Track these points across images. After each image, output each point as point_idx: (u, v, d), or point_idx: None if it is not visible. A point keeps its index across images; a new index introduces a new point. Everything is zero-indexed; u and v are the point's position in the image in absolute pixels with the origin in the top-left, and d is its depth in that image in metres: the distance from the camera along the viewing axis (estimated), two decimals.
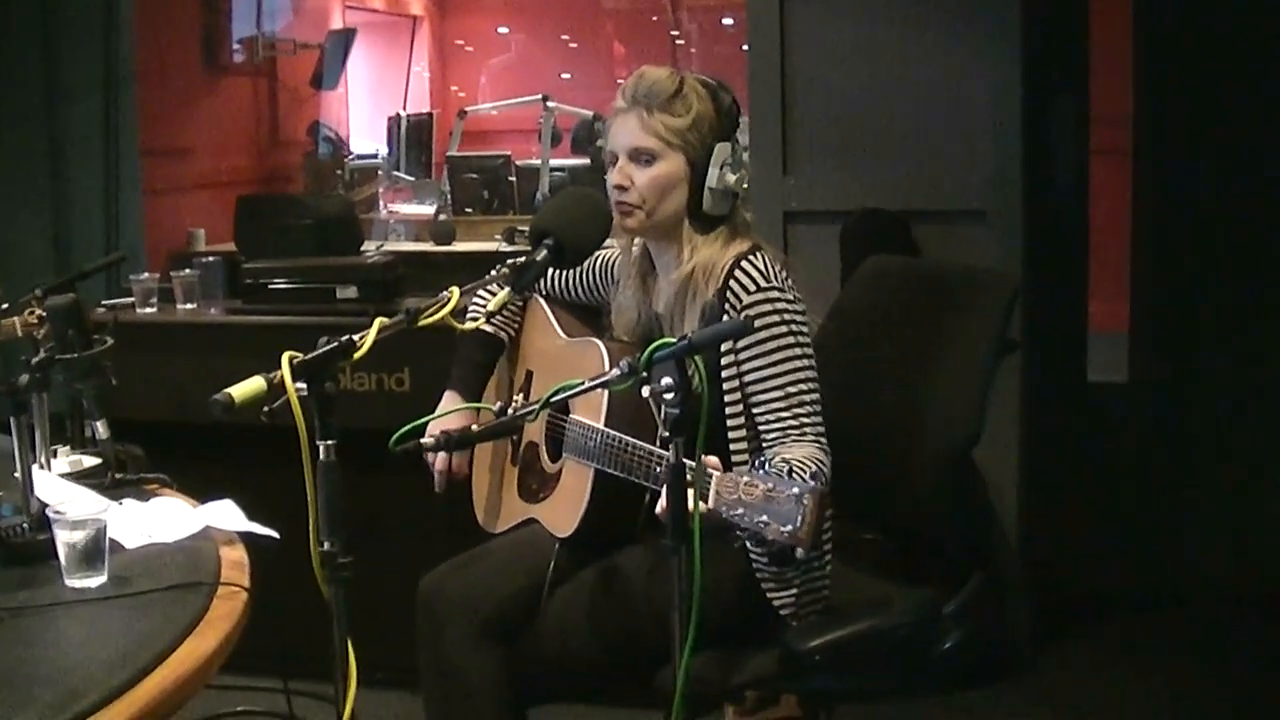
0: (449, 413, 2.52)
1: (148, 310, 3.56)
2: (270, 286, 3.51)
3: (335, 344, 1.77)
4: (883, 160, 3.65)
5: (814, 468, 2.14)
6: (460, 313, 2.04)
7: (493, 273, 2.15)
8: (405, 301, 3.47)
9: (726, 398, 2.28)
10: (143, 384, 3.41)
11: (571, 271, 2.62)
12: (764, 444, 2.26)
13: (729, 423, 2.28)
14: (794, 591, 2.27)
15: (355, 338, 1.80)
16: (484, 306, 2.41)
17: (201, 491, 2.26)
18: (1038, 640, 3.67)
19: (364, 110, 7.95)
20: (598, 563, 2.38)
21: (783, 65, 3.68)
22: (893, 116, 3.64)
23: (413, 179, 6.61)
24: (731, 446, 2.27)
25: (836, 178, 3.68)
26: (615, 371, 1.88)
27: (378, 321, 1.84)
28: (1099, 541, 4.07)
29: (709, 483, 1.89)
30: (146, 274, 3.66)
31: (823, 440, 2.24)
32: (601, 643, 2.33)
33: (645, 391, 1.83)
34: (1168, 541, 4.07)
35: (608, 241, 2.33)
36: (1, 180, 4.40)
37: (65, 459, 2.42)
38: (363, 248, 4.64)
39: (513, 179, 6.03)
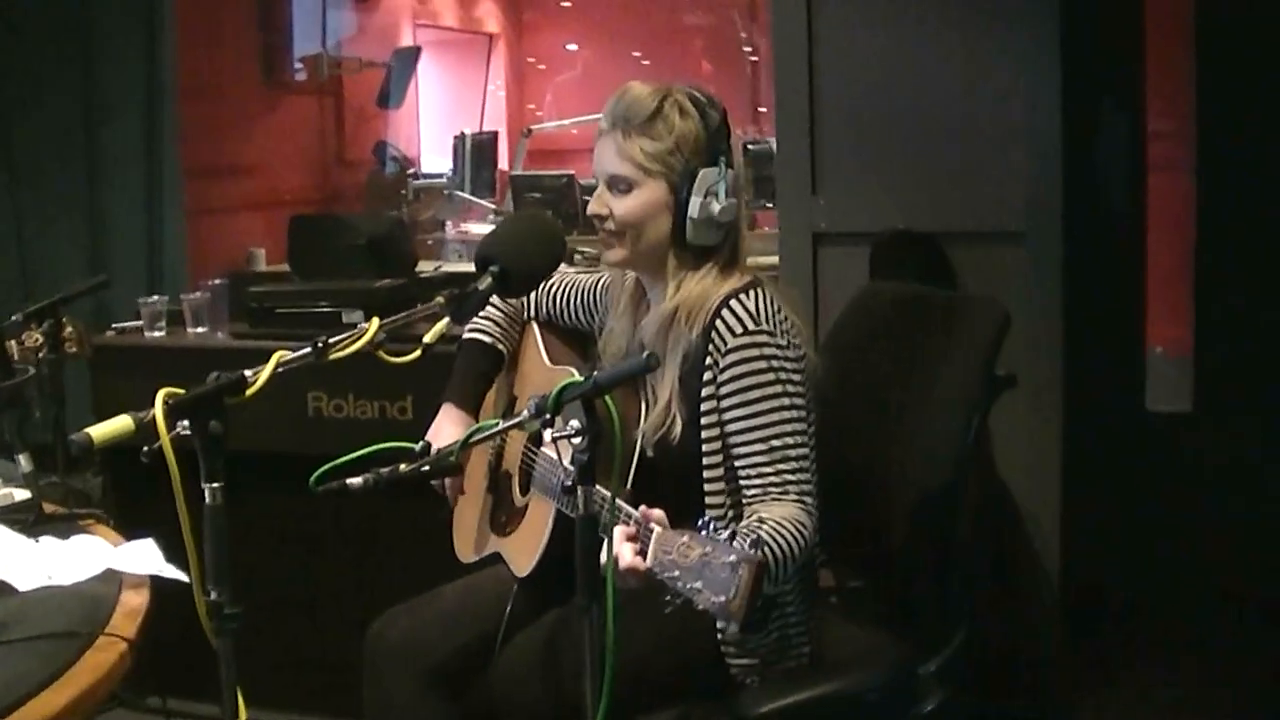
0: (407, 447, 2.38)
1: (155, 334, 3.50)
2: (276, 310, 3.43)
3: (222, 381, 1.66)
4: (916, 179, 3.47)
5: (791, 528, 1.96)
6: (378, 345, 1.91)
7: (437, 300, 2.01)
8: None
9: (705, 446, 2.10)
10: (140, 410, 3.34)
11: (568, 293, 2.48)
12: (744, 499, 2.08)
13: (705, 474, 2.11)
14: (755, 661, 2.10)
15: (248, 373, 1.69)
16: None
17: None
18: (1077, 682, 3.47)
19: (436, 129, 7.90)
20: (556, 609, 2.23)
21: (810, 81, 3.52)
22: (926, 133, 3.45)
23: (473, 198, 6.54)
24: (708, 500, 2.11)
25: (867, 197, 3.51)
26: (524, 413, 1.73)
27: (275, 355, 1.73)
28: (1147, 578, 3.84)
29: (650, 538, 1.74)
30: (155, 297, 3.61)
31: (808, 500, 2.05)
32: (554, 694, 2.17)
33: (548, 435, 1.68)
34: (1220, 581, 3.82)
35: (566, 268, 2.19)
36: (38, 199, 4.40)
37: None
38: (418, 267, 4.57)
39: (577, 198, 5.92)
